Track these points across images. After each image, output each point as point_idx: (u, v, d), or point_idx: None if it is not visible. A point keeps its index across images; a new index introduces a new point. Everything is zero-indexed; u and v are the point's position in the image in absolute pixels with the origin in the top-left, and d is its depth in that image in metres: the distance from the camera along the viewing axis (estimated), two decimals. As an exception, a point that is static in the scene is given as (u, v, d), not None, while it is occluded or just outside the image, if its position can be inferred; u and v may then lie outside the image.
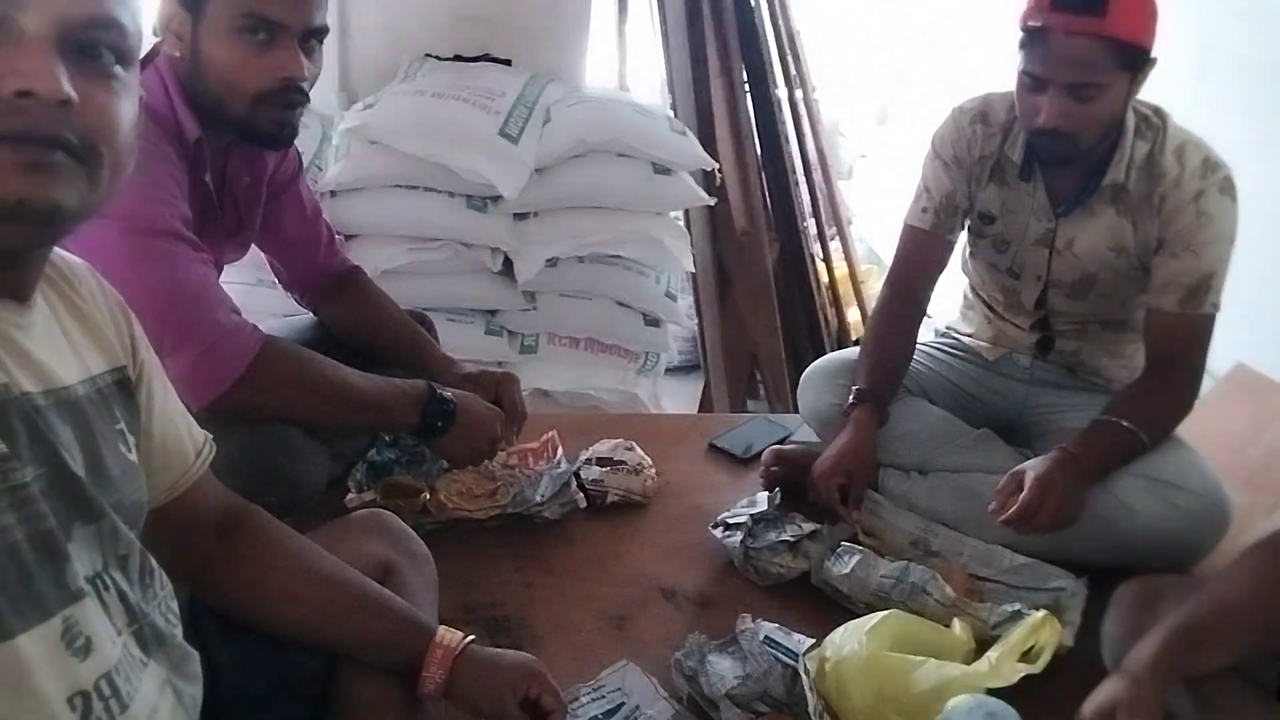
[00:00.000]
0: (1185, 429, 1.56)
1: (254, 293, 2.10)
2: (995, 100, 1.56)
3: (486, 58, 2.58)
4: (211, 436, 0.90)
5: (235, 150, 1.29)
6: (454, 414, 1.31)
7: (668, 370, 3.00)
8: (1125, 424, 1.44)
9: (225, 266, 1.40)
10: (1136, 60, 1.36)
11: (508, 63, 2.58)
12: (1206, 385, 2.62)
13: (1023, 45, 1.40)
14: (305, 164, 2.23)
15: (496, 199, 2.25)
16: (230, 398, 1.13)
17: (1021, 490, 1.38)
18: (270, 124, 1.18)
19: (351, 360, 1.45)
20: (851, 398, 1.60)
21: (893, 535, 1.53)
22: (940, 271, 1.68)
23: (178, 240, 1.12)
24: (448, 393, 1.33)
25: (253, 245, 1.48)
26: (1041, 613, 1.19)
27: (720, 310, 2.90)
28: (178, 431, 0.85)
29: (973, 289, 1.79)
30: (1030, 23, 1.37)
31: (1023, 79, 1.41)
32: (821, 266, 3.08)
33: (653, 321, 2.52)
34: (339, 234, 2.26)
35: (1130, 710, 0.91)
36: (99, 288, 0.77)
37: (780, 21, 2.78)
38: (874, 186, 4.02)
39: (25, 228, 0.61)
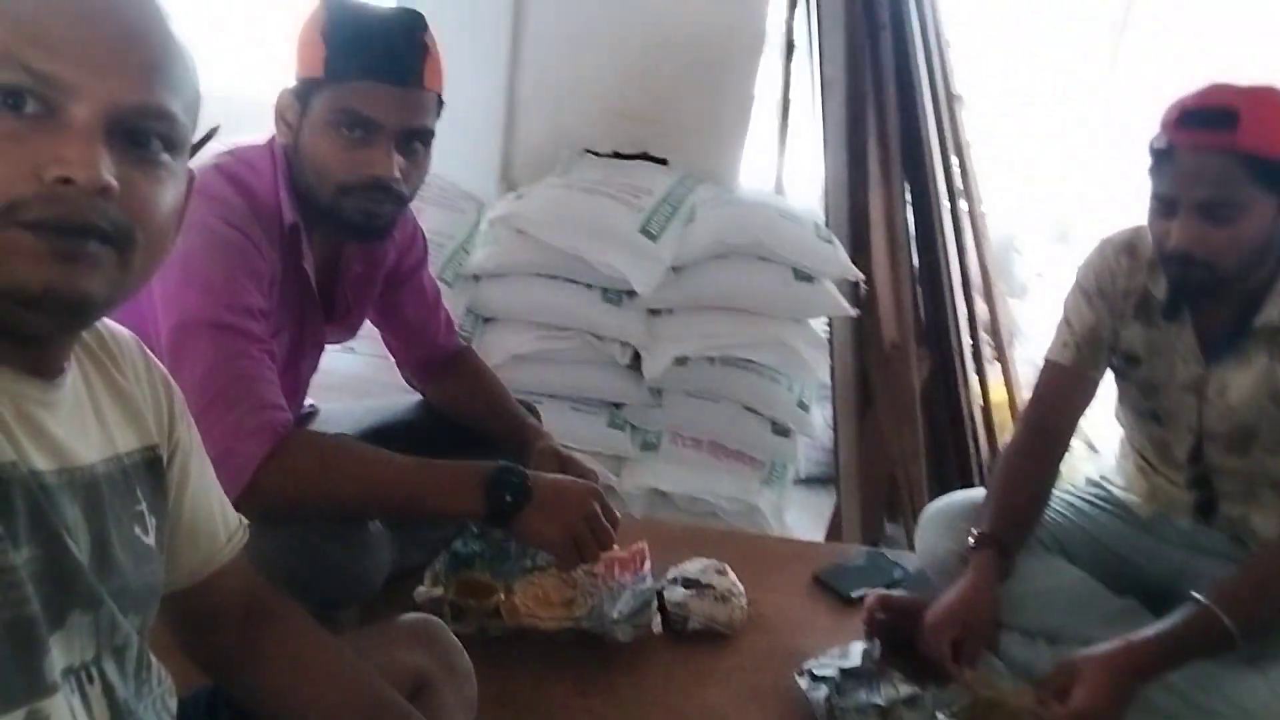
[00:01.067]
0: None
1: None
2: (1145, 233, 1.42)
3: (644, 156, 2.62)
4: (247, 522, 0.89)
5: (350, 242, 1.32)
6: (529, 489, 1.18)
7: (798, 481, 2.87)
8: (1215, 609, 1.23)
9: (340, 344, 1.44)
10: (1278, 179, 1.22)
11: (664, 162, 2.60)
12: None
13: (1152, 170, 1.29)
14: (456, 247, 2.34)
15: (632, 293, 2.25)
16: (255, 494, 1.08)
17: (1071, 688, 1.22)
18: (356, 214, 1.18)
19: (455, 440, 1.45)
20: (973, 541, 1.44)
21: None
22: (1082, 411, 1.52)
23: (229, 332, 1.11)
24: (520, 468, 1.20)
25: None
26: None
27: (860, 426, 2.74)
28: (210, 512, 0.84)
29: (1125, 437, 1.60)
30: (1157, 145, 1.27)
31: (1154, 204, 1.30)
32: (976, 388, 2.88)
33: (782, 430, 2.42)
34: (478, 315, 2.34)
35: None
36: (144, 363, 0.78)
37: (949, 132, 2.67)
38: (1050, 306, 3.77)
39: (51, 317, 0.61)
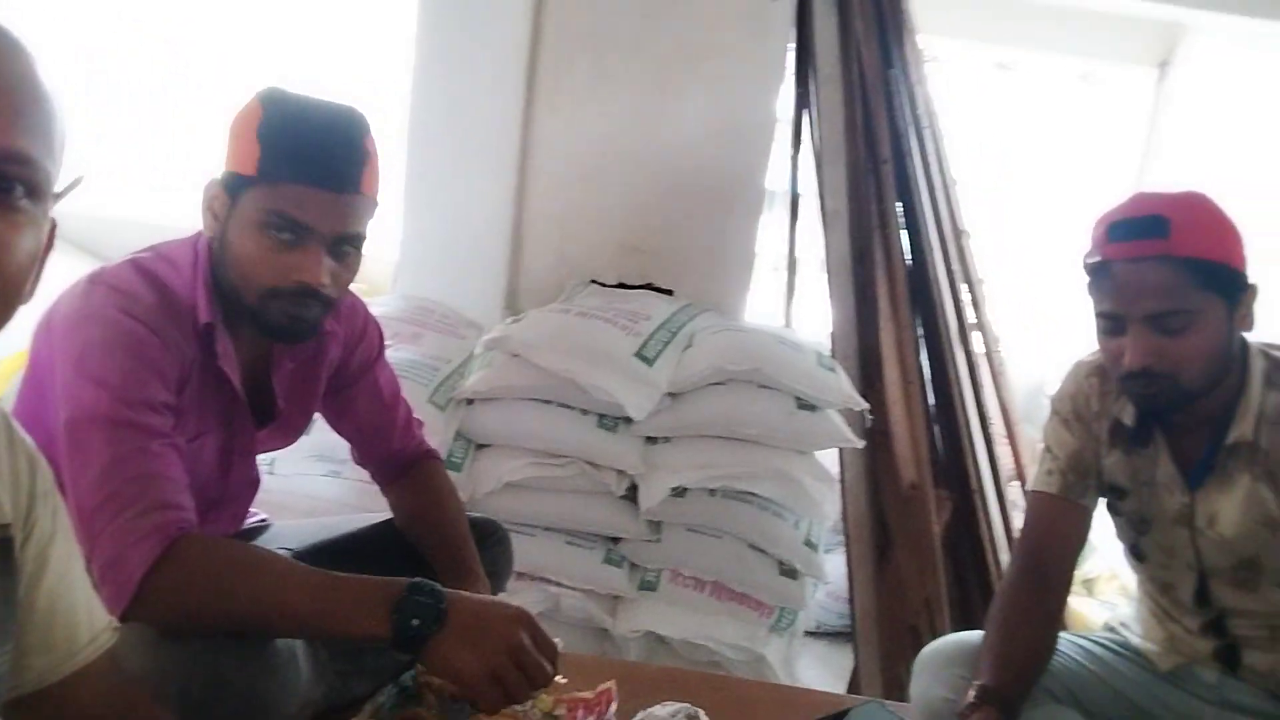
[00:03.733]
0: None
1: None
2: None
3: (650, 287, 2.62)
4: (116, 626, 0.81)
5: (274, 341, 1.28)
6: (442, 613, 1.03)
7: (813, 633, 2.69)
8: None
9: (285, 452, 1.38)
10: (1225, 283, 1.18)
11: (669, 292, 2.59)
12: None
13: (1090, 288, 1.24)
14: (452, 370, 2.32)
15: (629, 420, 2.19)
16: (142, 602, 0.99)
17: None
18: (280, 317, 1.14)
19: (414, 563, 1.34)
20: (973, 696, 1.28)
21: None
22: (1077, 545, 1.39)
23: (126, 428, 1.05)
24: (437, 587, 1.05)
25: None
26: None
27: (878, 572, 2.59)
28: (71, 607, 0.77)
29: (1139, 582, 1.46)
30: (1091, 260, 1.22)
31: (1100, 324, 1.24)
32: (1001, 533, 2.71)
33: (789, 571, 2.27)
34: (470, 440, 2.28)
35: None
36: (6, 439, 0.73)
37: (958, 268, 2.64)
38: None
39: None
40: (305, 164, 1.10)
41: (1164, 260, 1.17)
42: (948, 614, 2.51)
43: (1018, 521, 2.78)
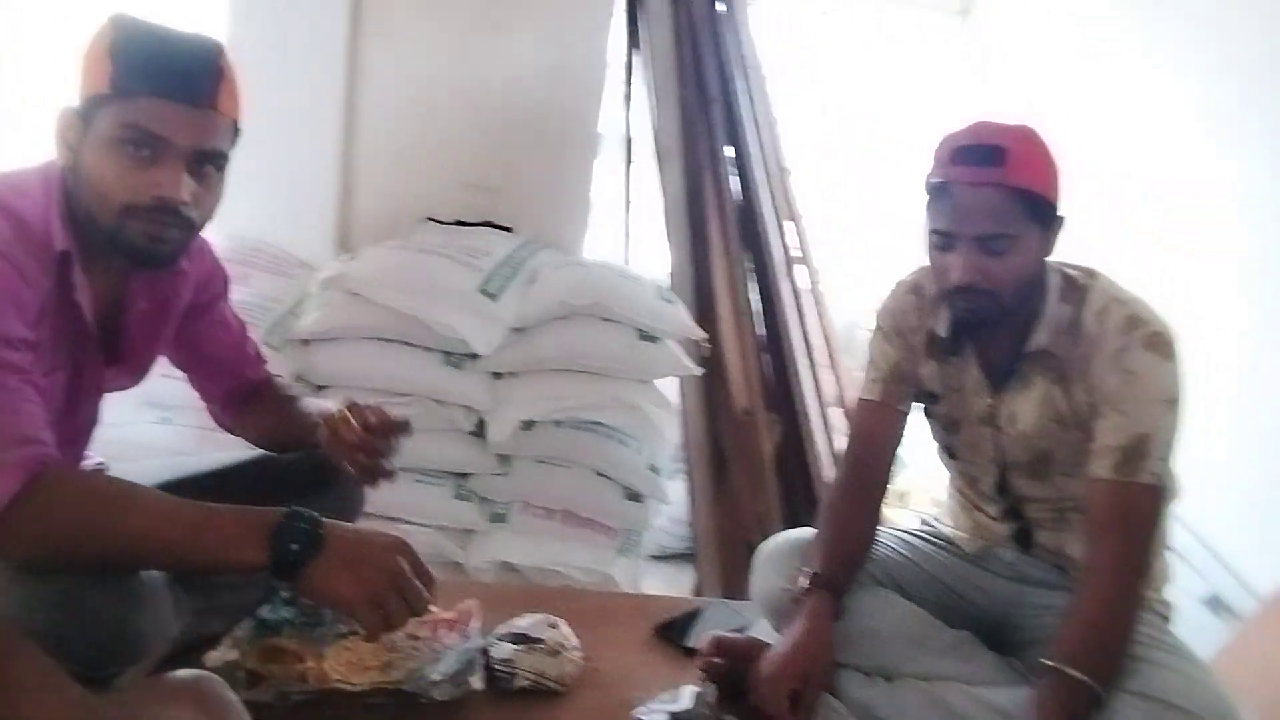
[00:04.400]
0: (1217, 664, 1.32)
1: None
2: (929, 273, 1.48)
3: (488, 224, 2.61)
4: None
5: (135, 275, 1.23)
6: (320, 539, 1.02)
7: (658, 557, 2.82)
8: (1076, 674, 1.22)
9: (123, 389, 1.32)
10: (1043, 214, 1.32)
11: (509, 230, 2.60)
12: (1247, 605, 2.38)
13: (929, 206, 1.36)
14: (284, 312, 2.25)
15: (474, 356, 2.20)
16: (4, 538, 0.96)
17: None
18: (140, 238, 1.09)
19: (269, 493, 1.33)
20: (806, 582, 1.42)
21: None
22: (896, 445, 1.54)
23: None
24: (314, 515, 1.05)
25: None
26: None
27: (715, 493, 2.73)
28: None
29: (949, 479, 1.63)
30: (933, 180, 1.34)
31: (932, 239, 1.36)
32: (825, 451, 2.92)
33: (634, 496, 2.37)
34: (308, 382, 2.23)
35: None
36: None
37: (781, 202, 2.78)
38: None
39: None
40: (160, 76, 1.07)
41: (998, 188, 1.28)
42: (780, 529, 2.68)
43: (840, 442, 2.99)
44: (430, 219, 2.57)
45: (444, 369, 2.20)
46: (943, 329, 1.47)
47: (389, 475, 1.34)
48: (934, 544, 1.60)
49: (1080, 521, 1.42)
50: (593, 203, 2.73)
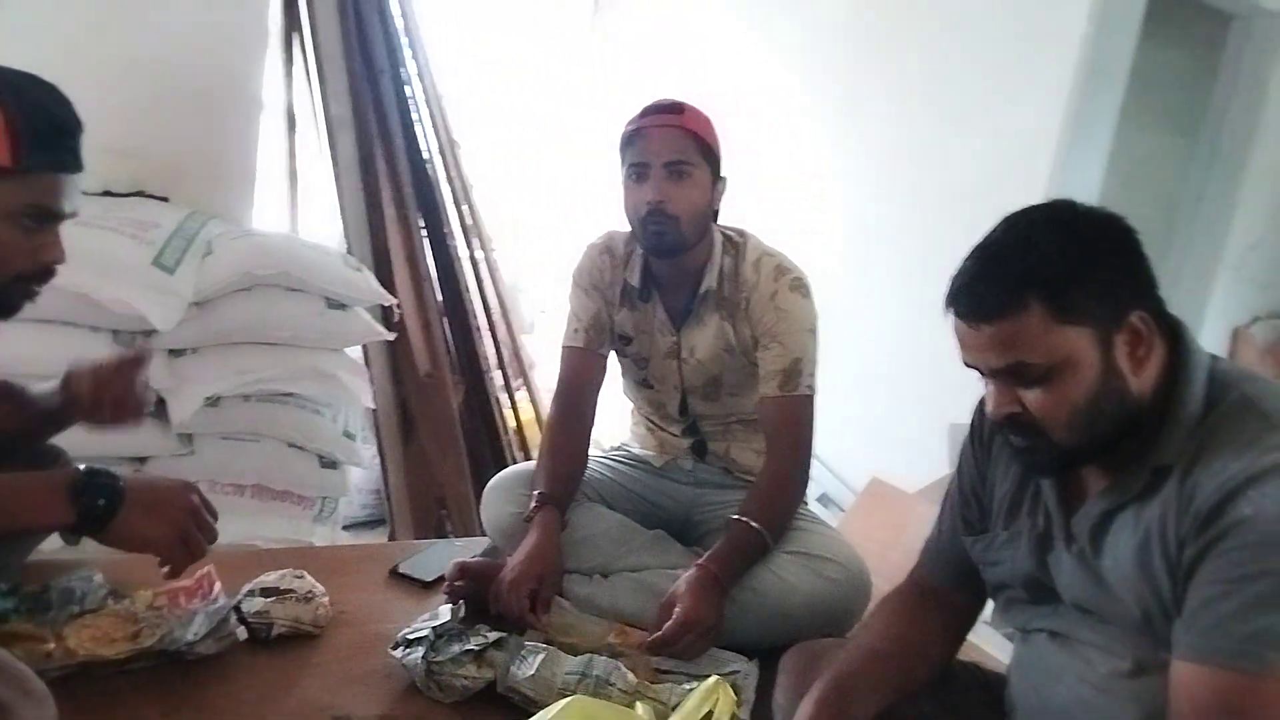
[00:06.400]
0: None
1: None
2: (616, 235, 1.79)
3: (141, 194, 2.45)
4: None
5: None
6: (121, 490, 1.09)
7: (349, 527, 2.85)
8: (754, 525, 1.59)
9: None
10: (713, 161, 1.65)
11: (165, 200, 2.46)
12: (847, 499, 2.98)
13: (624, 149, 1.65)
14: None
15: (149, 333, 2.09)
16: None
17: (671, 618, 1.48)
18: (23, 298, 1.18)
19: None
20: (534, 502, 1.63)
21: (584, 640, 1.52)
22: (600, 384, 1.81)
23: None
24: (109, 469, 1.11)
25: None
26: (713, 678, 1.23)
27: (405, 453, 2.83)
28: None
29: (634, 408, 1.92)
30: (629, 129, 1.64)
31: (629, 175, 1.64)
32: (509, 412, 3.13)
33: (330, 463, 2.40)
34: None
35: None
36: None
37: (454, 174, 2.91)
38: (554, 339, 4.20)
39: None
40: (65, 154, 1.14)
41: (679, 129, 1.60)
42: (470, 484, 2.85)
43: (519, 396, 3.22)
44: (73, 189, 2.35)
45: (113, 350, 2.07)
46: (635, 279, 1.73)
47: (149, 404, 1.44)
48: (628, 464, 1.89)
49: (749, 431, 1.77)
50: (257, 173, 2.66)
